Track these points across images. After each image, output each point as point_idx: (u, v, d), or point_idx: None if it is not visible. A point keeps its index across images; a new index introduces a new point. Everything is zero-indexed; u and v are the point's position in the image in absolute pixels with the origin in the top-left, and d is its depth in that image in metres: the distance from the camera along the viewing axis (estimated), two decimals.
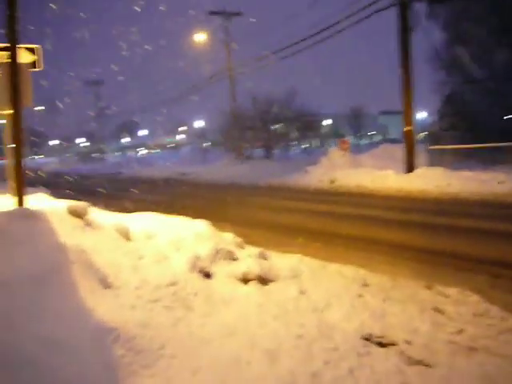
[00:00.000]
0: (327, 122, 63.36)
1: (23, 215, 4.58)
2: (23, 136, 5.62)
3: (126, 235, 5.50)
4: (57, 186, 23.03)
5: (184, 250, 5.84)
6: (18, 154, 5.52)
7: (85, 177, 35.21)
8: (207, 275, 5.45)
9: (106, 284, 4.22)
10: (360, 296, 5.30)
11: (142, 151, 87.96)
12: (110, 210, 13.95)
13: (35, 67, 6.91)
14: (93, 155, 69.08)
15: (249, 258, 6.05)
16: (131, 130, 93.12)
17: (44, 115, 79.15)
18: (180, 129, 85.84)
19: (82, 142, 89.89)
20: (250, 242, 8.03)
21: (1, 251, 3.92)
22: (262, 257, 6.31)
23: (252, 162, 31.32)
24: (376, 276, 6.13)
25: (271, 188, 19.26)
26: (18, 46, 6.57)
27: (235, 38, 33.78)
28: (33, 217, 4.62)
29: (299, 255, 6.88)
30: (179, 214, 12.66)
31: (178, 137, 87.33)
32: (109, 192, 20.23)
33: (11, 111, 5.55)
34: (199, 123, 60.34)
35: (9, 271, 3.66)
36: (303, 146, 48.37)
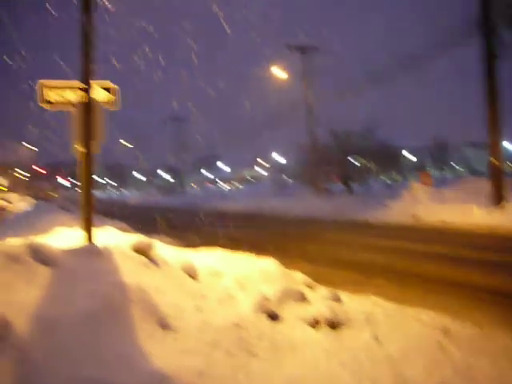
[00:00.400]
0: (409, 154, 61.70)
1: (87, 252, 4.55)
2: (93, 173, 5.65)
3: (190, 273, 5.35)
4: (134, 218, 23.70)
5: (250, 289, 5.60)
6: (87, 190, 5.55)
7: (163, 209, 36.03)
8: (274, 317, 5.17)
9: (165, 325, 4.04)
10: (441, 346, 4.80)
11: (221, 184, 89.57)
12: (182, 243, 14.14)
13: (112, 105, 7.05)
14: (173, 188, 71.04)
15: (319, 300, 5.72)
16: (211, 163, 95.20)
17: (129, 149, 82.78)
18: (259, 162, 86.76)
19: (163, 175, 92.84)
20: (323, 280, 7.67)
21: (60, 288, 3.86)
22: (334, 298, 5.94)
23: (330, 196, 30.85)
24: (460, 324, 5.58)
25: (349, 223, 18.71)
26: (94, 85, 6.78)
27: (313, 71, 33.79)
28: (96, 254, 4.57)
29: (374, 297, 6.44)
30: (252, 248, 12.53)
31: (257, 170, 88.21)
32: (184, 225, 20.49)
33: (84, 149, 5.59)
34: (278, 156, 60.61)
35: (65, 308, 3.57)
36: (384, 180, 47.25)
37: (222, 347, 4.11)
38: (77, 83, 6.14)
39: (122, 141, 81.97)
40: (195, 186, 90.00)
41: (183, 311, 4.44)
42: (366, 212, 19.94)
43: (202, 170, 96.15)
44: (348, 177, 35.97)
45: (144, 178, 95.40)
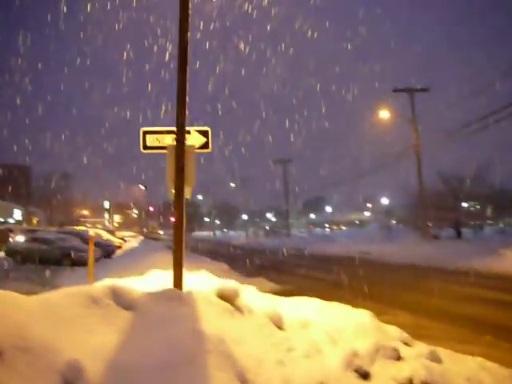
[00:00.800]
0: None
1: (168, 297, 4.51)
2: (184, 215, 5.69)
3: (277, 323, 5.14)
4: (237, 259, 23.92)
5: (341, 343, 5.27)
6: (178, 235, 5.59)
7: (266, 251, 36.16)
8: (364, 376, 4.79)
9: (243, 379, 3.85)
10: None
11: (328, 227, 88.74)
12: (279, 287, 13.97)
13: (206, 148, 7.19)
14: (278, 230, 71.38)
15: (415, 359, 5.23)
16: (317, 206, 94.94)
17: (238, 190, 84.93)
18: (366, 205, 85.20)
19: (270, 217, 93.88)
20: (423, 334, 7.15)
21: (137, 333, 3.83)
22: (433, 358, 5.42)
23: (439, 242, 29.35)
24: None
25: (457, 271, 17.53)
26: (191, 130, 6.95)
27: (421, 114, 32.93)
28: (178, 299, 4.52)
29: (481, 359, 5.81)
30: (351, 295, 12.05)
31: (364, 213, 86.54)
32: (285, 268, 20.32)
33: (176, 191, 5.67)
34: (384, 200, 59.12)
35: (141, 355, 3.51)
36: (498, 226, 44.24)
37: None
38: (173, 129, 6.31)
39: (232, 184, 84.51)
40: (301, 229, 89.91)
41: (264, 365, 4.23)
42: (477, 260, 18.63)
43: (309, 214, 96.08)
44: (458, 222, 34.12)
45: (251, 219, 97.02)
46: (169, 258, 16.95)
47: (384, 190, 61.52)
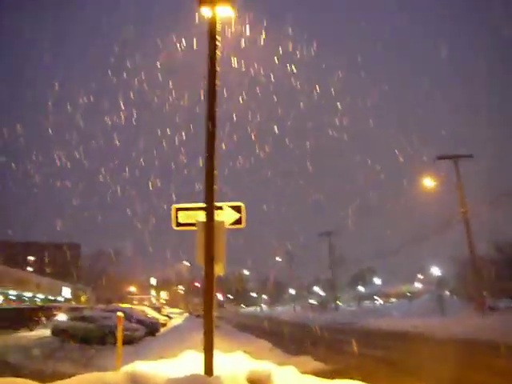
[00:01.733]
0: None
1: (193, 383, 4.22)
2: (214, 292, 5.48)
3: None
4: (282, 335, 23.16)
5: None
6: (209, 315, 5.36)
7: (312, 327, 35.00)
8: None
9: None
10: None
11: (377, 300, 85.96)
12: (326, 367, 13.25)
13: (239, 224, 7.06)
14: (326, 304, 69.59)
15: None
16: (366, 278, 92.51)
17: (283, 265, 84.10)
18: (416, 276, 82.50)
19: (317, 290, 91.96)
20: None
21: None
22: None
23: (496, 314, 27.69)
24: None
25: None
26: (220, 204, 6.87)
27: (466, 180, 32.25)
28: None
29: None
30: (401, 377, 11.29)
31: (415, 285, 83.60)
32: (331, 345, 19.49)
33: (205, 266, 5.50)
34: (436, 270, 57.00)
35: None
36: None
37: None
38: (203, 205, 6.24)
39: (277, 258, 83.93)
40: (350, 302, 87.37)
41: None
42: None
43: (357, 286, 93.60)
44: None
45: (298, 294, 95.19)
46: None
47: (435, 260, 59.47)
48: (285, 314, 61.58)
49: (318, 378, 6.65)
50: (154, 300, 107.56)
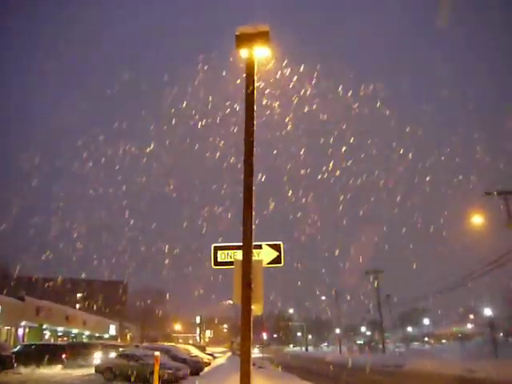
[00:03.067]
0: None
1: None
2: (251, 331, 5.43)
3: None
4: (325, 377, 22.57)
5: None
6: (246, 356, 5.30)
7: (359, 369, 34.00)
8: None
9: None
10: None
11: (427, 342, 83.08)
12: None
13: (278, 263, 7.03)
14: (373, 345, 67.66)
15: None
16: (415, 318, 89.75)
17: (329, 304, 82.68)
18: (468, 317, 79.47)
19: (364, 330, 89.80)
20: None
21: None
22: None
23: None
24: None
25: None
26: (259, 243, 6.87)
27: None
28: None
29: None
30: None
31: (466, 326, 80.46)
32: None
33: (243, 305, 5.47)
34: (488, 311, 54.77)
35: None
36: None
37: None
38: (241, 243, 6.25)
39: (323, 297, 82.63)
40: (398, 343, 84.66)
41: None
42: None
43: (406, 327, 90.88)
44: None
45: (344, 334, 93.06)
46: (254, 376, 16.31)
47: (486, 301, 57.24)
48: (330, 355, 60.06)
49: None
50: (198, 338, 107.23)
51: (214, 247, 7.14)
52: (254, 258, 5.81)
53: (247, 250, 5.55)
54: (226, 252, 7.02)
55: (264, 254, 6.86)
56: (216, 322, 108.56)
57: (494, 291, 56.64)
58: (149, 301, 78.96)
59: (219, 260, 7.05)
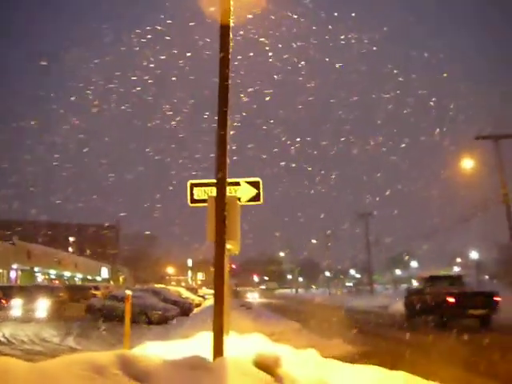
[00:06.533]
0: None
1: (193, 366, 3.95)
2: (225, 271, 5.19)
3: None
4: (312, 318, 22.83)
5: None
6: (219, 294, 5.08)
7: (347, 310, 34.62)
8: None
9: None
10: None
11: (414, 283, 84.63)
12: (353, 349, 12.90)
13: (257, 201, 6.76)
14: (362, 287, 68.94)
15: None
16: (403, 261, 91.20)
17: (319, 247, 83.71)
18: (455, 260, 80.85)
19: (353, 273, 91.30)
20: None
21: None
22: None
23: None
24: None
25: None
26: (237, 179, 6.56)
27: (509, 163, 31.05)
28: (205, 369, 3.96)
29: None
30: (433, 361, 10.86)
31: (453, 269, 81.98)
32: (364, 328, 19.07)
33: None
34: (474, 254, 55.60)
35: None
36: None
37: None
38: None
39: (313, 240, 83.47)
40: (386, 285, 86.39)
41: None
42: None
43: (394, 270, 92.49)
44: None
45: (334, 276, 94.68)
46: (236, 317, 16.39)
47: (473, 244, 58.03)
48: (319, 297, 61.30)
49: (339, 363, 6.33)
50: (190, 281, 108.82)
51: (191, 184, 6.84)
52: (230, 194, 5.51)
53: (221, 184, 5.23)
54: (202, 189, 6.73)
55: (242, 192, 6.59)
56: (208, 264, 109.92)
57: (481, 235, 57.30)
58: (141, 244, 79.59)
59: (196, 197, 6.77)
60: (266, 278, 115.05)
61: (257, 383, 4.05)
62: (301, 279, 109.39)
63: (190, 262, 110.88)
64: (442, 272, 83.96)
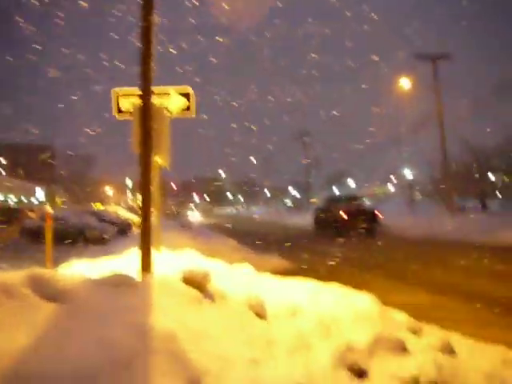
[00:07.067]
0: None
1: (115, 284, 3.72)
2: (150, 186, 4.89)
3: (258, 311, 4.34)
4: (251, 236, 23.20)
5: (334, 335, 4.46)
6: (146, 210, 4.80)
7: (286, 227, 35.47)
8: (359, 374, 3.97)
9: None
10: None
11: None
12: (289, 264, 13.20)
13: (188, 111, 6.38)
14: (300, 205, 70.52)
15: (424, 351, 4.40)
16: (340, 180, 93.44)
17: (260, 166, 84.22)
18: (390, 178, 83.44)
19: (293, 192, 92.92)
20: (438, 317, 6.34)
21: (59, 332, 3.05)
22: (445, 350, 4.56)
23: (464, 215, 28.19)
24: None
25: (481, 246, 16.49)
26: (166, 87, 6.12)
27: (444, 82, 31.60)
28: (128, 287, 3.74)
29: (504, 348, 4.92)
30: (364, 274, 11.25)
31: (388, 187, 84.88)
32: (302, 244, 19.53)
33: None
34: (408, 173, 57.37)
35: (53, 362, 2.74)
36: None
37: None
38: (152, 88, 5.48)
39: (252, 159, 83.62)
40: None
41: (232, 365, 3.43)
42: (502, 233, 17.58)
43: (332, 188, 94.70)
44: (484, 194, 32.89)
45: (273, 195, 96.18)
46: (175, 236, 16.26)
47: (408, 163, 59.76)
48: (259, 215, 62.44)
49: (272, 276, 6.30)
50: (130, 202, 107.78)
51: (115, 92, 6.32)
52: (155, 104, 5.09)
53: (146, 92, 4.81)
54: (129, 99, 6.24)
55: (172, 103, 6.17)
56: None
57: (418, 155, 59.00)
58: (78, 165, 77.38)
59: (123, 109, 6.30)
60: (207, 198, 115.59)
61: (184, 300, 3.88)
62: (242, 199, 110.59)
63: (129, 183, 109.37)
64: (377, 189, 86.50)
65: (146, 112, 4.77)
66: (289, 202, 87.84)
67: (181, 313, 3.67)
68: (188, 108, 6.31)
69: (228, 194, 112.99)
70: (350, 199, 27.68)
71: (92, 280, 3.83)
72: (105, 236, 23.80)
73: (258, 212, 80.00)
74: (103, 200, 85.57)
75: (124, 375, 2.83)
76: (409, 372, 3.98)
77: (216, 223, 46.30)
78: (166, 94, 6.16)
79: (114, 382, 2.76)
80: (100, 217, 29.26)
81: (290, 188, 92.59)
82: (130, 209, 50.07)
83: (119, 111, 6.31)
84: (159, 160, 5.65)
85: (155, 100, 5.93)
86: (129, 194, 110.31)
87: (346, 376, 3.87)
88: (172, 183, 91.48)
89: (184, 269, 4.22)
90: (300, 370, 3.70)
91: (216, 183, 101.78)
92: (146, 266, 4.71)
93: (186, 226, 30.72)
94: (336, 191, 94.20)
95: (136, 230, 30.10)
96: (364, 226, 22.84)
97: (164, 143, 5.37)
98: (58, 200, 77.88)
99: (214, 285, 4.31)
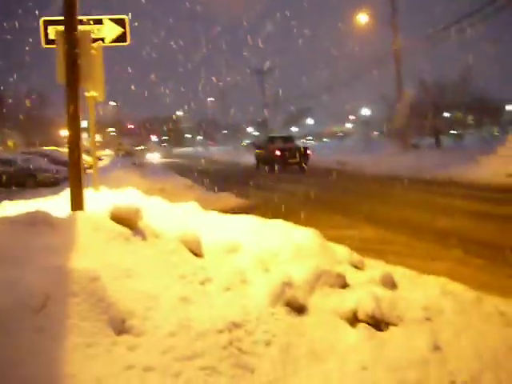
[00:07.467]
0: (510, 107, 56.25)
1: (32, 223, 3.46)
2: (79, 121, 4.55)
3: (193, 248, 4.17)
4: (207, 174, 23.01)
5: (273, 270, 4.36)
6: (73, 144, 4.48)
7: (243, 166, 35.44)
8: (298, 310, 3.89)
9: (120, 328, 2.91)
10: None
11: (310, 140, 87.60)
12: (243, 202, 13.15)
13: (123, 41, 5.96)
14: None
15: (365, 286, 4.35)
16: (299, 119, 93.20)
17: (217, 105, 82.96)
18: (348, 117, 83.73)
19: (251, 131, 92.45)
20: (386, 250, 6.42)
21: None
22: (386, 283, 4.54)
23: (418, 152, 28.65)
24: None
25: (434, 181, 16.80)
26: (100, 17, 5.69)
27: (402, 16, 31.25)
28: (47, 225, 3.49)
29: (445, 279, 4.95)
30: (316, 210, 11.26)
31: (346, 125, 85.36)
32: (258, 182, 19.46)
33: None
34: (366, 111, 57.60)
35: None
36: (483, 136, 43.50)
37: (200, 361, 2.93)
38: (82, 17, 5.05)
39: (210, 98, 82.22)
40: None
41: (161, 304, 3.27)
42: (454, 169, 17.93)
43: (291, 127, 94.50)
44: (438, 131, 33.37)
45: (232, 134, 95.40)
46: (126, 175, 15.89)
47: (365, 101, 59.85)
48: (218, 154, 62.08)
49: (218, 214, 6.14)
50: (86, 143, 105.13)
51: (44, 21, 5.83)
52: (80, 29, 4.64)
53: (69, 15, 4.39)
54: (59, 28, 5.74)
55: (106, 31, 5.74)
56: (105, 125, 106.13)
57: (374, 93, 59.06)
58: (30, 105, 74.26)
59: (51, 38, 5.82)
60: (165, 138, 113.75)
61: (110, 237, 3.66)
62: (200, 138, 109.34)
63: (84, 123, 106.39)
64: (336, 128, 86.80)
65: (69, 37, 4.37)
66: (246, 141, 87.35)
67: (105, 251, 3.46)
68: (123, 36, 5.88)
69: (186, 134, 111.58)
70: (285, 139, 30.61)
71: (8, 218, 3.56)
72: (57, 178, 23.17)
73: (216, 151, 79.42)
74: (59, 142, 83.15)
75: (35, 320, 2.63)
76: (347, 306, 3.93)
77: (173, 162, 45.87)
78: (98, 22, 5.71)
79: (23, 328, 2.56)
80: (52, 158, 28.39)
81: (250, 128, 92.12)
82: (87, 151, 48.77)
83: (47, 42, 5.84)
84: (95, 94, 5.28)
85: (86, 28, 5.50)
86: (85, 135, 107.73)
87: (284, 312, 3.78)
88: (128, 124, 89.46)
89: (112, 206, 3.98)
90: (236, 308, 3.57)
91: (175, 123, 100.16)
92: (76, 205, 4.46)
93: (139, 165, 30.25)
94: (295, 129, 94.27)
95: (89, 171, 29.48)
96: (295, 161, 26.01)
97: (95, 73, 4.98)
98: (10, 143, 75.19)
99: (145, 222, 4.09)
